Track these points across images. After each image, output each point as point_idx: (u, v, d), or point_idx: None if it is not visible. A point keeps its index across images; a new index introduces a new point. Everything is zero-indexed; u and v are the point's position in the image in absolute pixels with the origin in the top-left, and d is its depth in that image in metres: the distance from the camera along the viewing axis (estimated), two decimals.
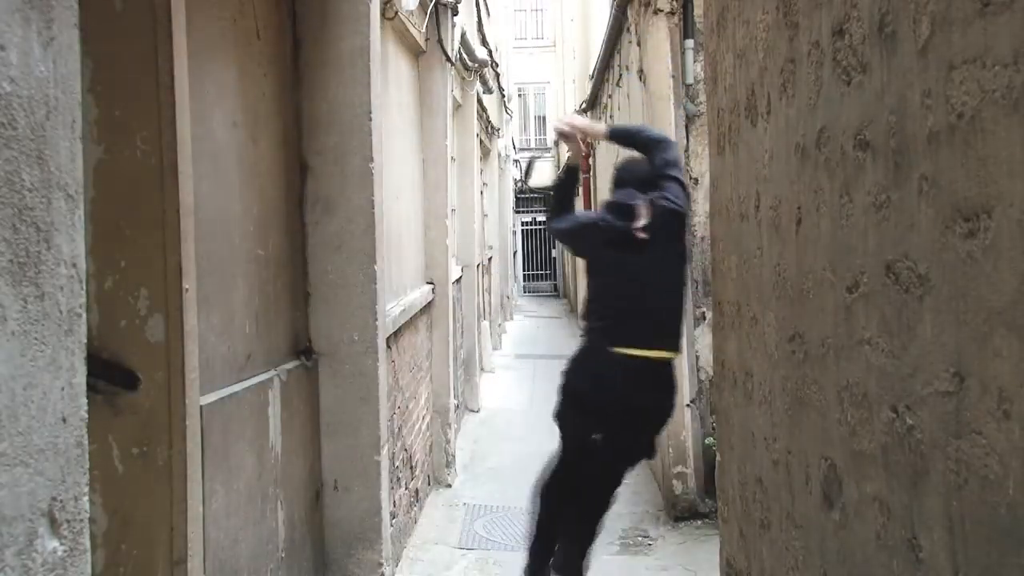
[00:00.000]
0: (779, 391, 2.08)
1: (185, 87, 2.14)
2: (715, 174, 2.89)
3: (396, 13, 5.00)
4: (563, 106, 22.16)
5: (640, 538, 5.23)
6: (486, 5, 11.24)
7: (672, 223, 3.45)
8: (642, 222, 3.38)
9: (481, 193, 11.65)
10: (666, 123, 5.50)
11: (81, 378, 0.99)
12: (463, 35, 7.42)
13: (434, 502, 5.96)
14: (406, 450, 5.09)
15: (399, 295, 5.10)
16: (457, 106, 8.51)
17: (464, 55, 7.85)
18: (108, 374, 1.99)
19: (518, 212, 23.84)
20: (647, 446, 3.55)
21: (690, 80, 5.47)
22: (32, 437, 0.88)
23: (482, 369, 10.41)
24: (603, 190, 10.75)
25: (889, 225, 1.35)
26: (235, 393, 2.71)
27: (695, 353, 5.57)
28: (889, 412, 1.37)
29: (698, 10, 5.30)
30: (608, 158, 9.70)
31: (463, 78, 8.60)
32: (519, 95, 24.41)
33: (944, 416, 1.18)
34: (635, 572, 4.70)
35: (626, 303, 3.41)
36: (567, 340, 15.89)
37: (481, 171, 12.03)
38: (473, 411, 9.00)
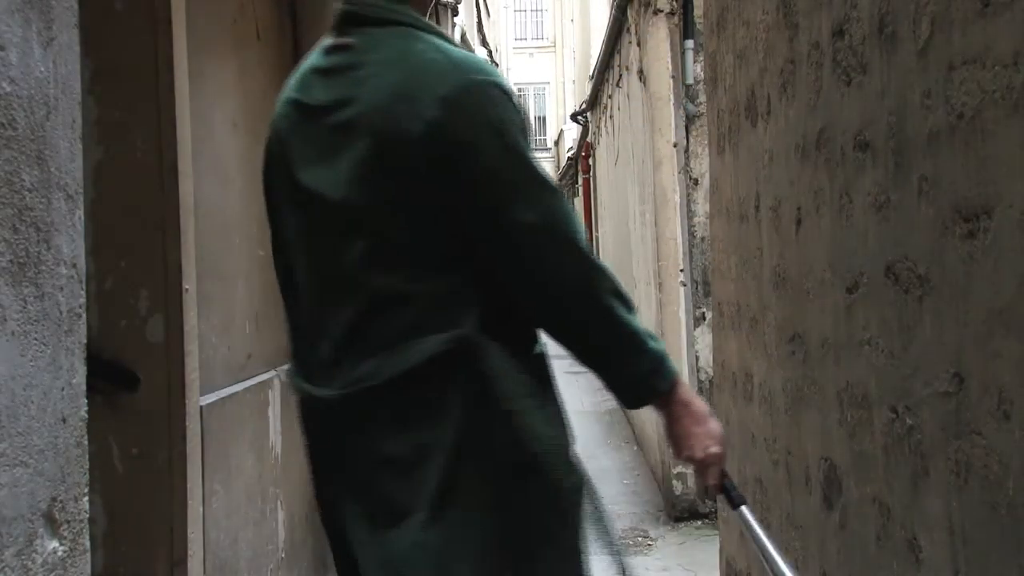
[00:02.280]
0: (779, 391, 2.08)
1: (185, 87, 2.14)
2: (715, 174, 2.89)
3: None
4: (563, 106, 22.14)
5: (640, 538, 5.23)
6: (486, 5, 11.25)
7: None
8: None
9: None
10: (666, 123, 5.50)
11: (81, 378, 0.99)
12: (463, 35, 7.42)
13: None
14: None
15: None
16: None
17: None
18: (108, 374, 1.99)
19: None
20: None
21: (690, 80, 5.46)
22: (32, 437, 0.88)
23: None
24: (604, 192, 10.75)
25: (889, 225, 1.35)
26: (235, 393, 2.71)
27: (695, 353, 5.57)
28: (889, 412, 1.37)
29: (698, 10, 5.30)
30: (609, 160, 9.69)
31: None
32: (519, 95, 24.40)
33: (944, 416, 1.18)
34: (635, 572, 4.70)
35: None
36: None
37: None
38: None
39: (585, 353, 1.50)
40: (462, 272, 1.44)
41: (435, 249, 1.43)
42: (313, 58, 1.55)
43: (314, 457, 1.53)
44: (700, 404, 1.51)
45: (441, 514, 1.35)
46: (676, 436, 1.51)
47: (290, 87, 1.58)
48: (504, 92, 1.43)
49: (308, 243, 1.53)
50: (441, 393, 1.38)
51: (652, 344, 1.48)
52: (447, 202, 1.40)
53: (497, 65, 11.61)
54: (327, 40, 1.53)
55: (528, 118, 1.56)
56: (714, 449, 1.47)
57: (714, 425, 1.49)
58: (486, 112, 1.40)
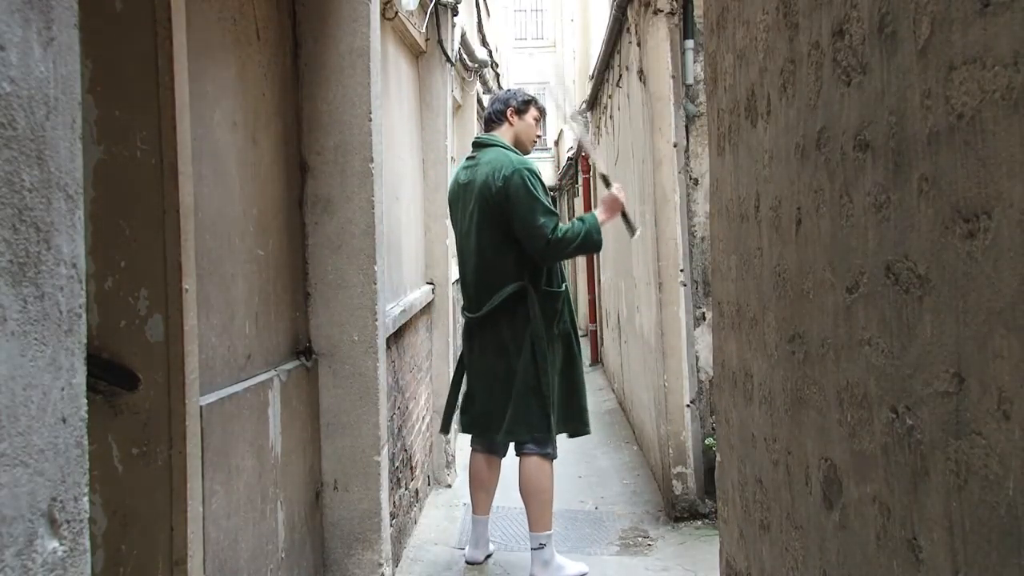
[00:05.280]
0: (779, 391, 2.08)
1: (185, 87, 2.14)
2: (715, 175, 2.89)
3: (396, 13, 5.00)
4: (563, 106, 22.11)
5: (640, 538, 5.23)
6: (486, 5, 11.24)
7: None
8: None
9: None
10: (666, 123, 5.50)
11: (81, 378, 0.99)
12: (463, 35, 7.42)
13: (434, 502, 5.96)
14: (406, 450, 5.09)
15: (399, 295, 5.10)
16: (457, 106, 8.51)
17: (464, 55, 7.85)
18: (108, 374, 1.99)
19: None
20: None
21: (690, 80, 5.46)
22: (32, 437, 0.88)
23: None
24: (604, 191, 10.75)
25: (889, 225, 1.35)
26: (235, 393, 2.71)
27: (695, 353, 5.57)
28: (889, 412, 1.37)
29: (698, 10, 5.30)
30: (608, 159, 9.68)
31: (463, 78, 8.60)
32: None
33: (944, 416, 1.18)
34: (635, 572, 4.69)
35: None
36: None
37: None
38: None
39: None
40: (518, 251, 4.30)
41: (509, 240, 4.31)
42: (464, 161, 4.62)
43: (470, 338, 4.56)
44: (605, 202, 4.54)
45: (518, 351, 4.34)
46: (603, 206, 4.52)
47: (456, 173, 4.65)
48: (528, 169, 4.34)
49: (466, 239, 4.48)
50: (517, 309, 4.35)
51: (586, 228, 4.36)
52: (509, 218, 4.27)
53: (497, 65, 11.61)
54: (470, 152, 4.62)
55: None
56: (615, 202, 4.50)
57: (610, 198, 4.52)
58: (519, 180, 4.26)
